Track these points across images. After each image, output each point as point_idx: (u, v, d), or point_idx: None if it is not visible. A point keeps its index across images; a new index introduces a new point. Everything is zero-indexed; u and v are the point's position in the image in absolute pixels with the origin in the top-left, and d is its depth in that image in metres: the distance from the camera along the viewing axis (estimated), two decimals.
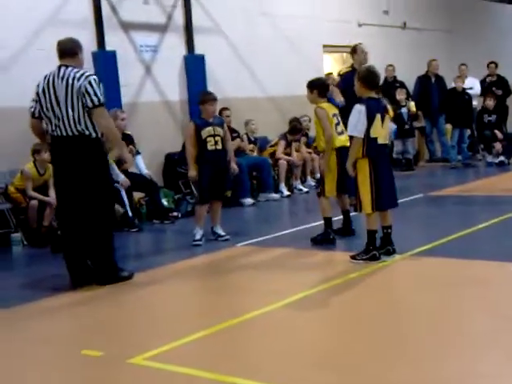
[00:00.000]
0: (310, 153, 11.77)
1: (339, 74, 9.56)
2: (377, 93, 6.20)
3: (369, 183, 6.01)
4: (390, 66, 13.72)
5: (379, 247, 6.21)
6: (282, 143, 11.33)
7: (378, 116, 6.00)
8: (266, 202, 10.54)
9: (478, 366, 3.76)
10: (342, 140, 6.91)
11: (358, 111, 5.96)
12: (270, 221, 9.26)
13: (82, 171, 5.85)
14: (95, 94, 5.77)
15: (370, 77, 6.13)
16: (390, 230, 6.23)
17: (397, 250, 6.26)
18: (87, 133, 5.83)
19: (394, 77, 13.75)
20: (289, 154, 11.36)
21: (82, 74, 5.81)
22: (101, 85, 5.87)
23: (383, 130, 6.08)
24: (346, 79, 8.31)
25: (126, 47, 10.28)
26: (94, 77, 5.87)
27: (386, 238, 6.24)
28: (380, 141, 6.03)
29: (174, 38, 10.96)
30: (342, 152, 6.71)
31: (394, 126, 12.54)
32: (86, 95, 5.74)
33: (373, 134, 5.97)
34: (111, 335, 4.73)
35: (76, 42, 6.06)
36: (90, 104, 5.76)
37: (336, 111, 7.07)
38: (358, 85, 6.13)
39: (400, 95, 13.23)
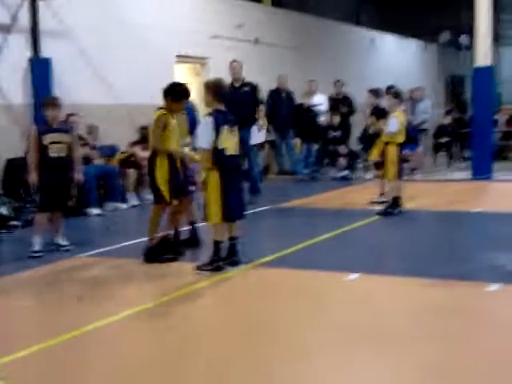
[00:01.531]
0: None
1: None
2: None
3: (218, 194, 6.01)
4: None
5: (224, 258, 6.22)
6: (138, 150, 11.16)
7: (226, 128, 6.04)
8: (114, 211, 10.27)
9: (309, 373, 3.82)
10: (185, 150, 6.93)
11: (206, 123, 6.02)
12: (115, 231, 9.02)
13: None
14: None
15: (218, 90, 6.19)
16: (236, 241, 6.28)
17: (242, 260, 6.30)
18: None
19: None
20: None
21: None
22: None
23: (231, 142, 6.12)
24: None
25: None
26: None
27: (231, 249, 6.27)
28: (229, 152, 6.06)
29: (18, 40, 10.44)
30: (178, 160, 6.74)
31: None
32: None
33: (221, 145, 6.00)
34: None
35: None
36: None
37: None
38: (207, 97, 6.18)
39: None
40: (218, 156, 5.99)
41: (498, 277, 5.65)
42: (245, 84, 10.71)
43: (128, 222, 9.88)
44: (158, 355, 4.19)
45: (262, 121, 10.57)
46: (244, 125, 9.86)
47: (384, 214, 8.97)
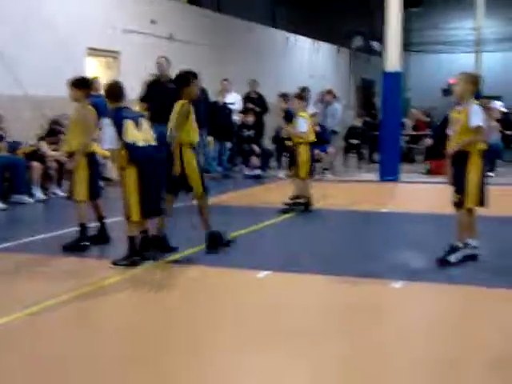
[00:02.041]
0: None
1: (145, 85, 10.70)
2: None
3: (136, 189, 5.97)
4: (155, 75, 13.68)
5: (139, 252, 6.16)
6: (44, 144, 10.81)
7: (129, 121, 6.00)
8: (19, 205, 9.92)
9: (218, 371, 3.80)
10: (94, 146, 6.85)
11: (105, 125, 6.06)
12: (18, 226, 8.71)
13: None
14: None
15: (114, 90, 6.28)
16: (147, 235, 6.22)
17: (156, 256, 6.25)
18: None
19: None
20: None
21: None
22: None
23: (141, 134, 6.05)
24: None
25: None
26: None
27: (144, 244, 6.20)
28: (139, 143, 6.00)
29: None
30: (93, 157, 6.80)
31: None
32: None
33: (128, 139, 5.96)
34: None
35: None
36: None
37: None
38: (108, 99, 6.26)
39: None
40: (129, 149, 5.94)
41: (403, 274, 5.82)
42: (171, 80, 10.63)
43: (33, 217, 9.56)
44: (69, 351, 4.06)
45: None
46: (164, 120, 9.86)
47: (292, 211, 9.06)
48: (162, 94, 10.04)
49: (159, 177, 6.25)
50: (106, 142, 6.07)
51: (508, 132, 15.59)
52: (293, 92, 10.81)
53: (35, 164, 10.47)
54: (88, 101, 6.87)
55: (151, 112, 10.62)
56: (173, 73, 11.35)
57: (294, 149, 9.33)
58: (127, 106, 6.29)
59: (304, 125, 9.18)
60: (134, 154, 5.95)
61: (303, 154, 9.19)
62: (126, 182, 6.01)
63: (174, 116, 6.54)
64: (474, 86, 6.12)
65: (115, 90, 6.26)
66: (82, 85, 6.84)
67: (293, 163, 9.45)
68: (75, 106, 6.85)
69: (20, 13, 11.56)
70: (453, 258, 6.09)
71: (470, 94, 6.08)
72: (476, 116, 5.95)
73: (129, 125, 5.98)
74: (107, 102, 6.27)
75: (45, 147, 10.69)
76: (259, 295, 5.40)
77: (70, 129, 6.85)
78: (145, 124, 6.19)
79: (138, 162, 5.97)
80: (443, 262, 6.07)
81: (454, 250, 6.10)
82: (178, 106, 6.55)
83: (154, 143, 6.19)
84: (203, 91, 13.93)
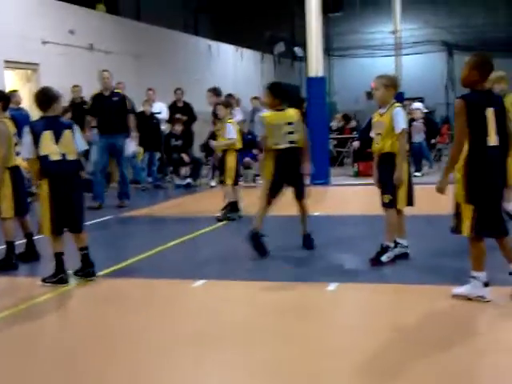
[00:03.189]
0: None
1: (91, 98, 11.01)
2: (63, 113, 6.09)
3: (48, 204, 5.82)
4: (76, 86, 13.41)
5: (79, 269, 6.03)
6: None
7: (46, 133, 5.85)
8: None
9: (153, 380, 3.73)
10: (17, 161, 6.64)
11: (24, 133, 5.91)
12: None
13: None
14: None
15: (40, 98, 6.06)
16: (86, 252, 6.04)
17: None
18: None
19: (81, 97, 13.46)
20: None
21: None
22: None
23: (59, 146, 5.87)
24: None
25: None
26: None
27: (84, 260, 6.04)
28: (53, 157, 5.84)
29: None
30: (17, 172, 6.62)
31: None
32: None
33: (43, 152, 5.82)
34: None
35: None
36: None
37: (15, 130, 6.70)
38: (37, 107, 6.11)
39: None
40: (41, 163, 5.82)
41: (336, 276, 5.88)
42: (114, 93, 10.99)
43: None
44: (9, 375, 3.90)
45: (135, 131, 11.04)
46: (114, 132, 10.68)
47: (225, 219, 9.04)
48: (105, 107, 10.60)
49: (72, 192, 5.97)
50: (23, 151, 5.97)
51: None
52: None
53: None
54: (5, 114, 6.64)
55: (99, 124, 10.77)
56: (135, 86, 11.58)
57: (222, 156, 9.31)
58: (55, 116, 6.03)
59: (232, 131, 9.18)
60: (45, 167, 5.82)
61: (230, 160, 9.18)
62: (40, 195, 5.90)
63: None
64: (394, 89, 6.24)
65: (41, 98, 6.04)
66: (0, 99, 6.63)
67: (222, 170, 9.43)
68: None
69: None
70: (384, 257, 6.19)
71: (390, 97, 6.20)
72: (400, 118, 6.08)
73: (45, 137, 5.81)
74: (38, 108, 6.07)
75: None
76: (194, 303, 5.34)
77: None
78: (68, 136, 5.96)
79: (49, 175, 5.83)
80: (376, 262, 6.17)
81: (385, 250, 6.21)
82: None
83: (72, 157, 5.94)
84: (128, 101, 13.79)
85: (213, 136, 11.90)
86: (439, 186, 4.99)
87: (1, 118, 6.57)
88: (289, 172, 6.90)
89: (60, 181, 5.86)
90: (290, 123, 6.88)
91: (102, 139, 10.85)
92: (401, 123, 6.05)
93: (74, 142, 5.99)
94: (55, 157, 5.84)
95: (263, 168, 7.12)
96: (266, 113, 7.20)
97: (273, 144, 6.81)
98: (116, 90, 11.18)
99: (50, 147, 5.82)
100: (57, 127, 5.93)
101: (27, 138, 5.84)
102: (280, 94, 7.00)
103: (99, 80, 10.89)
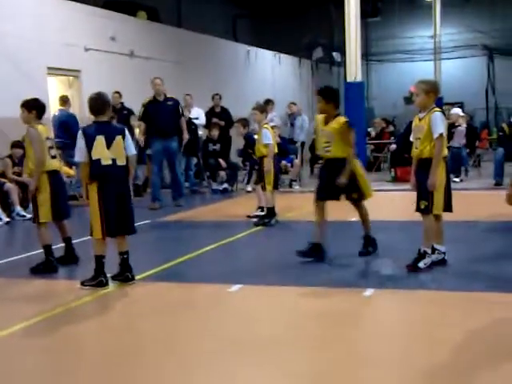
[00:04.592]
0: None
1: (143, 105, 11.40)
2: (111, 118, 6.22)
3: (98, 208, 5.91)
4: (117, 92, 13.62)
5: (118, 274, 6.11)
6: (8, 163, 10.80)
7: (100, 138, 5.95)
8: None
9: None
10: (54, 164, 6.76)
11: (78, 138, 6.02)
12: None
13: None
14: None
15: (93, 103, 6.16)
16: (126, 256, 6.12)
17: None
18: None
19: (121, 103, 13.67)
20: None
21: None
22: None
23: (111, 151, 5.98)
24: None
25: None
26: None
27: (123, 264, 6.12)
28: (104, 162, 5.94)
29: None
30: (55, 176, 6.74)
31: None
32: None
33: (94, 156, 5.92)
34: None
35: None
36: None
37: (50, 135, 6.84)
38: (90, 112, 6.20)
39: (133, 121, 13.17)
40: (93, 167, 5.92)
41: (373, 282, 5.86)
42: (168, 98, 11.57)
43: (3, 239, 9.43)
44: (32, 377, 3.98)
45: (186, 134, 11.78)
46: (168, 135, 11.30)
47: (261, 224, 9.06)
48: (159, 111, 11.18)
49: (122, 196, 6.09)
50: (76, 154, 6.07)
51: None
52: (255, 104, 10.75)
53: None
54: (39, 121, 6.72)
55: (154, 129, 11.21)
56: (174, 92, 11.90)
57: (260, 161, 9.32)
58: (107, 121, 6.19)
59: (269, 136, 9.19)
60: (96, 171, 5.92)
61: (267, 165, 9.19)
62: (90, 198, 5.98)
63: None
64: (435, 94, 6.19)
65: (95, 103, 6.13)
66: (32, 107, 6.73)
67: (260, 176, 9.44)
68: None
69: None
70: (422, 263, 6.14)
71: (431, 102, 6.15)
72: (438, 123, 6.02)
73: (98, 141, 5.93)
74: (90, 112, 6.18)
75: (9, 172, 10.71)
76: (231, 308, 5.37)
77: (26, 151, 6.77)
78: (119, 141, 6.05)
79: (99, 179, 5.93)
80: (413, 268, 6.12)
81: (422, 256, 6.16)
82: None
83: (121, 163, 6.05)
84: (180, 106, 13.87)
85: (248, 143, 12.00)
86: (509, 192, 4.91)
87: (33, 124, 6.68)
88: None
89: (110, 184, 5.96)
90: (322, 131, 6.85)
91: (156, 143, 11.37)
92: (439, 128, 5.99)
93: (125, 147, 6.09)
94: (106, 161, 5.95)
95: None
96: (320, 115, 6.95)
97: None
98: (169, 96, 11.61)
99: (103, 152, 5.93)
100: (109, 132, 6.05)
101: (81, 142, 5.95)
102: (333, 99, 6.81)
103: (152, 87, 11.43)
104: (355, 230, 9.01)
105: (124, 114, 13.26)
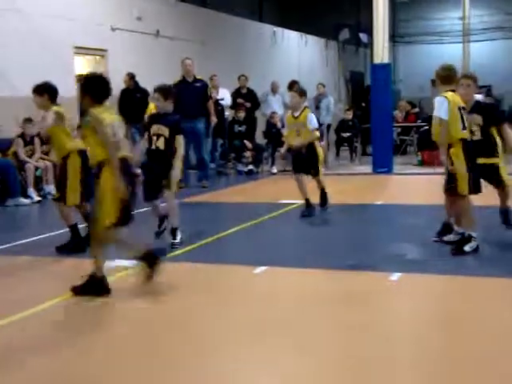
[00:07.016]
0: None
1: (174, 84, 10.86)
2: None
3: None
4: (128, 74, 13.37)
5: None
6: (20, 142, 10.66)
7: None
8: (15, 207, 9.88)
9: (219, 366, 3.78)
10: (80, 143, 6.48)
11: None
12: (15, 228, 8.65)
13: None
14: None
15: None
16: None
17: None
18: None
19: (136, 83, 13.42)
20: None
21: None
22: None
23: None
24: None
25: None
26: None
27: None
28: None
29: None
30: (84, 156, 6.39)
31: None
32: None
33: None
34: None
35: None
36: None
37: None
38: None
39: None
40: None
41: (399, 266, 5.82)
42: (197, 80, 11.68)
43: (28, 219, 9.53)
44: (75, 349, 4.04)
45: (214, 116, 11.89)
46: (194, 116, 11.22)
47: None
48: (187, 92, 10.99)
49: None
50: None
51: None
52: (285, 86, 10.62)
53: (28, 165, 10.44)
54: (54, 105, 6.59)
55: (180, 109, 10.76)
56: (199, 72, 11.91)
57: (308, 149, 8.55)
58: None
59: (314, 120, 8.60)
60: None
61: (319, 150, 8.69)
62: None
63: None
64: (444, 80, 6.21)
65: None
66: (42, 90, 6.65)
67: (311, 163, 8.66)
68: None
69: (5, 10, 11.46)
70: (468, 247, 6.10)
71: (443, 88, 6.16)
72: (437, 107, 6.02)
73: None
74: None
75: (21, 153, 10.65)
76: (254, 290, 5.37)
77: (54, 136, 6.64)
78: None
79: None
80: (458, 252, 6.08)
81: (467, 239, 6.11)
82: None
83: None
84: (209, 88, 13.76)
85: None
86: None
87: (49, 108, 6.58)
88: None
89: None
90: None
91: (183, 124, 11.13)
92: (436, 111, 6.01)
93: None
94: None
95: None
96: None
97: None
98: (198, 77, 11.67)
99: None
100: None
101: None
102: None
103: (182, 67, 11.59)
104: (380, 213, 8.97)
105: (137, 95, 13.06)
